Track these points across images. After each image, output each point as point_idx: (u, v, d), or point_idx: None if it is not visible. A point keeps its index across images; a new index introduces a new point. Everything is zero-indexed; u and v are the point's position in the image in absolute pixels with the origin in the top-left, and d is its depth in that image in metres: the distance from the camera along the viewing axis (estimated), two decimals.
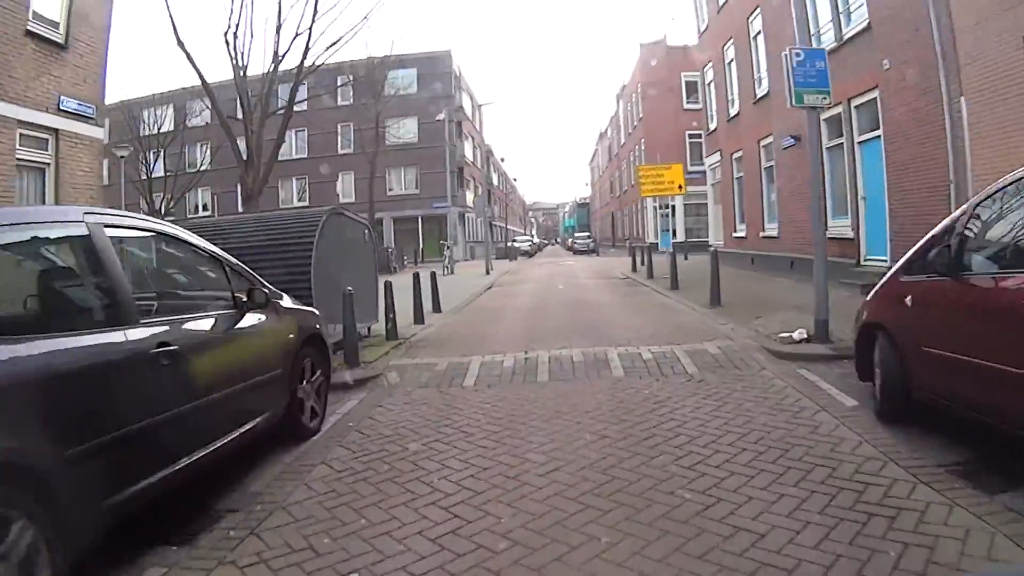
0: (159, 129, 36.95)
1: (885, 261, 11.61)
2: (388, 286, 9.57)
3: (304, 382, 5.08)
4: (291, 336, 4.85)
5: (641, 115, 40.87)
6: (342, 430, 5.12)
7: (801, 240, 16.02)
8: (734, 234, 21.69)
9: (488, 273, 24.45)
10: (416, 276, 11.84)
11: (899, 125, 11.56)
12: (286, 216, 8.67)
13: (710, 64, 23.80)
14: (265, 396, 4.44)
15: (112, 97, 32.31)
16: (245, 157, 19.24)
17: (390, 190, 40.39)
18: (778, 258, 17.12)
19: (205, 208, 46.36)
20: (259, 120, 19.47)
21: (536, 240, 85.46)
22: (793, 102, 7.60)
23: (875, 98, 12.48)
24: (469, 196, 40.54)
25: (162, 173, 40.28)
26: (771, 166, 17.99)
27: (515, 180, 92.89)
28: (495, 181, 56.83)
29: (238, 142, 19.70)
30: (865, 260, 13.30)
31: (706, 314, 10.08)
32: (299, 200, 42.86)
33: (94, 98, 12.04)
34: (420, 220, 39.14)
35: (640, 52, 40.63)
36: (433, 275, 13.27)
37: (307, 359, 5.14)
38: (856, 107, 13.47)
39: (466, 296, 15.69)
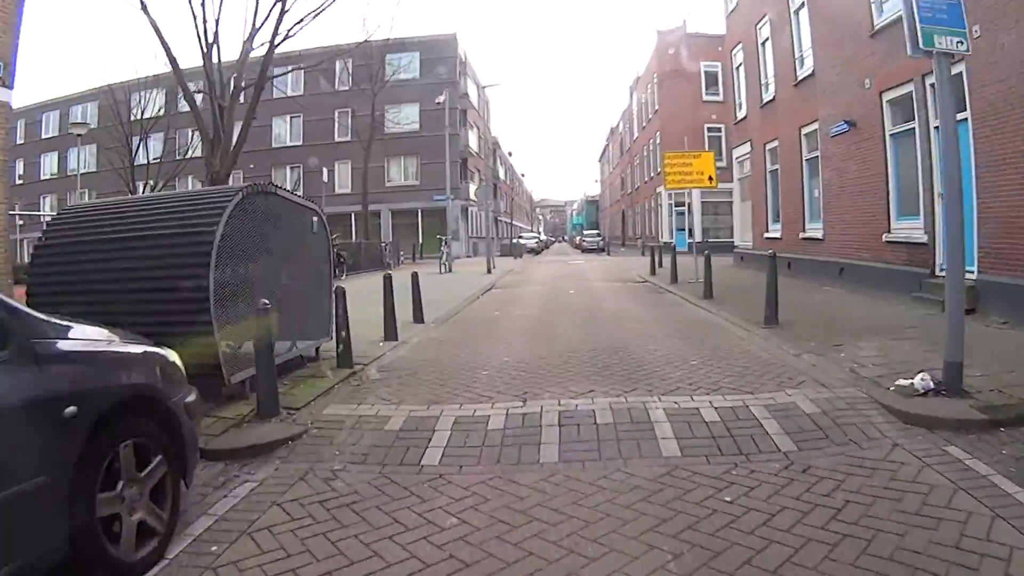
0: (142, 113, 34.67)
1: (972, 273, 9.20)
2: (347, 291, 7.24)
3: (117, 486, 2.80)
4: (68, 410, 2.54)
5: (657, 106, 38.45)
6: (199, 557, 2.85)
7: (853, 243, 13.69)
8: (765, 234, 19.31)
9: (489, 272, 22.17)
10: (414, 275, 9.52)
11: (994, 106, 9.14)
12: (183, 197, 6.27)
13: (739, 47, 21.41)
14: None
15: (97, 81, 30.33)
16: (211, 136, 16.92)
17: (389, 181, 38.16)
18: (823, 264, 14.77)
19: None
20: (231, 95, 17.17)
21: (543, 237, 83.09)
22: (920, 44, 5.24)
23: (960, 72, 10.09)
24: (472, 189, 38.19)
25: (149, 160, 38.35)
26: (815, 157, 15.63)
27: (523, 176, 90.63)
28: (501, 175, 54.48)
29: (216, 120, 17.34)
30: (941, 270, 10.90)
31: (767, 338, 7.75)
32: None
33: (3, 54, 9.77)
34: (420, 213, 36.88)
35: (657, 40, 38.20)
36: (414, 276, 10.96)
37: (122, 444, 2.84)
38: (933, 84, 11.06)
39: (458, 301, 13.42)
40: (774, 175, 18.73)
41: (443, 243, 23.42)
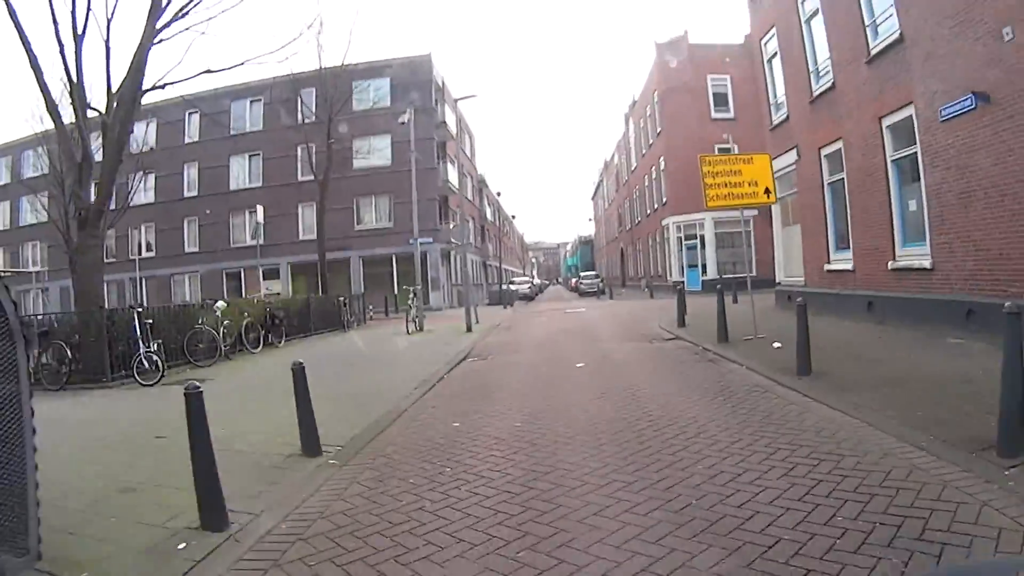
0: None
1: None
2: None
3: None
4: None
5: (659, 128, 34.24)
6: None
7: (991, 273, 9.07)
8: (826, 266, 14.69)
9: (469, 330, 17.42)
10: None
11: None
12: None
13: (772, 32, 17.16)
14: None
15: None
16: (78, 158, 12.22)
17: (359, 223, 33.59)
18: (935, 304, 10.15)
19: (149, 248, 39.68)
20: (113, 107, 12.54)
21: (536, 281, 78.54)
22: None
23: None
24: (454, 234, 33.70)
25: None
26: (909, 154, 11.13)
27: (513, 217, 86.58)
28: (489, 215, 50.18)
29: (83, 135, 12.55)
30: None
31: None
32: (253, 237, 36.03)
33: None
34: (395, 260, 32.24)
35: (656, 53, 34.21)
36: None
37: None
38: None
39: (409, 385, 8.65)
40: (836, 188, 14.21)
41: (411, 295, 18.71)
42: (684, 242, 31.57)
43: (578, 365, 9.58)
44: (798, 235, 16.53)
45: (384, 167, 32.41)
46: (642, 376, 8.25)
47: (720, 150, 31.98)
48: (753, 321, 11.01)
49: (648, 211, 38.60)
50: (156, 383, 10.47)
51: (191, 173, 38.18)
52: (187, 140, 38.41)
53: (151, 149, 37.95)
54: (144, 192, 40.70)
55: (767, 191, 11.28)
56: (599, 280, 43.53)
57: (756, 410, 5.89)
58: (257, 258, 26.34)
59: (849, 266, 13.49)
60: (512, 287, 39.12)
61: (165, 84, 13.19)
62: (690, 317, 14.53)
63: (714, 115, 32.20)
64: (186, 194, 37.94)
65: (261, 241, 33.03)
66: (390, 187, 31.85)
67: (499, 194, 69.11)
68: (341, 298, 21.25)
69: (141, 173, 33.78)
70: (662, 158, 33.82)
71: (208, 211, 36.73)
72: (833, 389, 6.35)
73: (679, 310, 14.31)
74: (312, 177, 34.21)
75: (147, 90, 13.03)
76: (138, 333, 10.85)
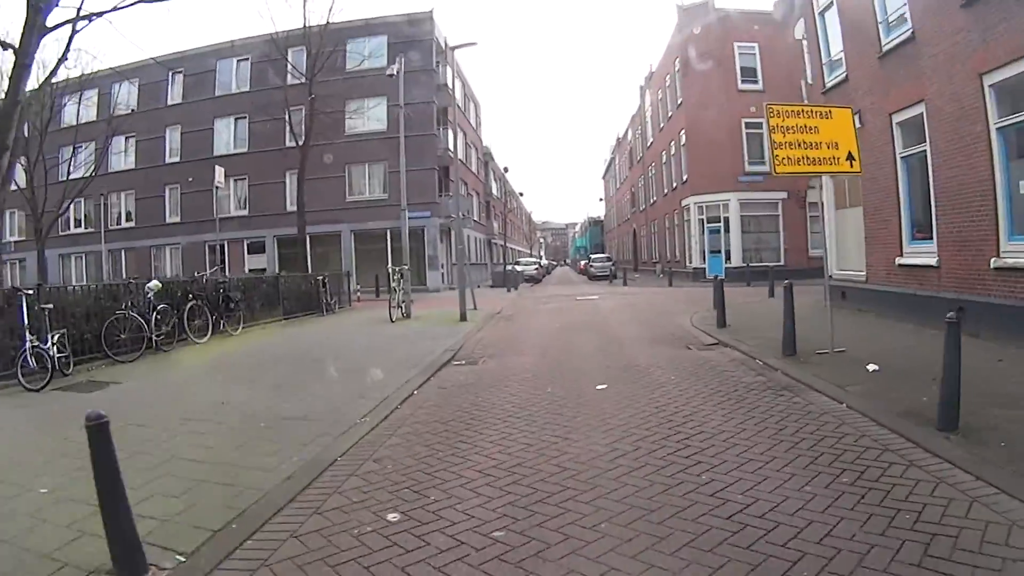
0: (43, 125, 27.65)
1: None
2: None
3: None
4: None
5: (680, 99, 31.36)
6: None
7: None
8: (898, 260, 12.05)
9: (463, 319, 14.93)
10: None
11: None
12: None
13: None
14: None
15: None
16: None
17: (350, 195, 30.98)
18: None
19: (128, 218, 37.19)
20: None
21: (544, 262, 75.87)
22: None
23: None
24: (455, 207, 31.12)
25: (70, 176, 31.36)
26: (1016, 122, 8.53)
27: (521, 195, 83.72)
28: (494, 191, 47.44)
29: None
30: None
31: None
32: (240, 207, 33.55)
33: None
34: (389, 235, 29.65)
35: (678, 18, 31.23)
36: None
37: None
38: None
39: (359, 410, 6.18)
40: (913, 163, 11.54)
41: (394, 276, 16.22)
42: (706, 225, 28.87)
43: (599, 387, 7.01)
44: (858, 219, 13.84)
45: (379, 132, 29.71)
46: (694, 415, 5.66)
47: (748, 124, 29.23)
48: (830, 328, 8.37)
49: (665, 190, 35.82)
50: (44, 387, 8.01)
51: (173, 137, 35.58)
52: (170, 102, 35.78)
53: (132, 111, 35.45)
54: (124, 156, 38.31)
55: (851, 157, 8.56)
56: (611, 263, 40.87)
57: (922, 519, 3.32)
58: (231, 231, 23.69)
59: (931, 261, 10.83)
60: (518, 268, 36.52)
61: (89, 15, 10.53)
62: (729, 314, 11.96)
63: (741, 86, 29.29)
64: (168, 159, 35.36)
65: (226, 213, 30.59)
66: (385, 154, 29.16)
67: (506, 169, 66.32)
68: (321, 277, 18.68)
69: (110, 136, 31.43)
70: (682, 132, 30.98)
71: (191, 178, 34.13)
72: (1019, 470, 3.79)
73: (718, 306, 11.67)
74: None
75: (65, 22, 10.40)
76: (25, 322, 8.35)
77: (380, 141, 29.34)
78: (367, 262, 29.89)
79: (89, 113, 35.71)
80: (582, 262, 64.17)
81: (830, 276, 15.44)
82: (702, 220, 29.06)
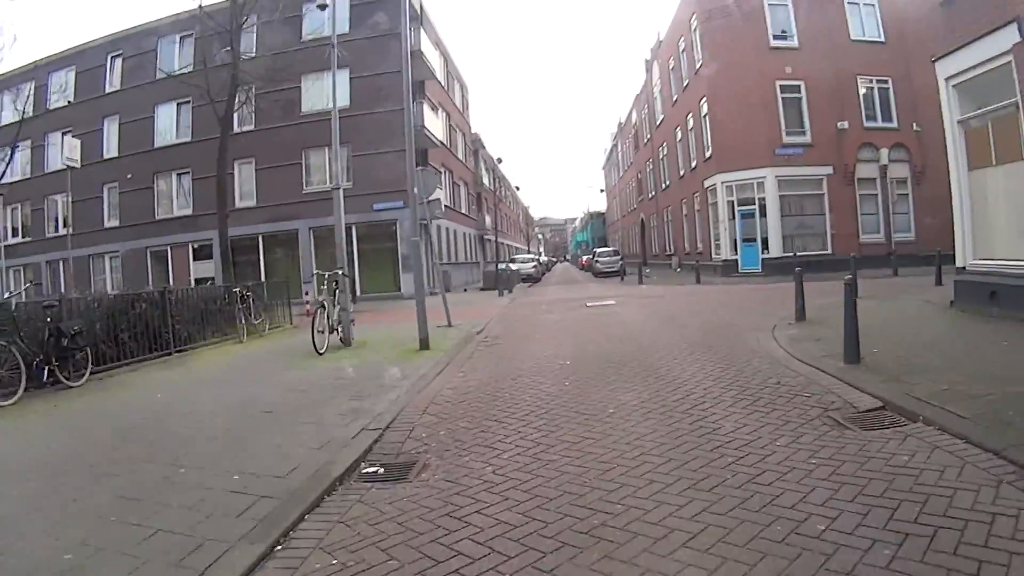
0: None
1: None
2: None
3: None
4: None
5: (700, 64, 26.43)
6: None
7: None
8: None
9: (424, 348, 10.13)
10: None
11: None
12: None
13: None
14: None
15: None
16: None
17: (308, 184, 26.11)
18: None
19: (65, 224, 32.28)
20: None
21: (543, 259, 71.03)
22: None
23: None
24: (437, 195, 26.18)
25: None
26: None
27: (517, 188, 78.93)
28: (486, 181, 42.56)
29: None
30: None
31: None
32: (183, 205, 28.67)
33: None
34: (355, 232, 24.82)
35: None
36: None
37: None
38: None
39: None
40: None
41: (323, 286, 11.50)
42: (737, 208, 23.98)
43: None
44: (1012, 181, 9.01)
45: (340, 110, 24.74)
46: None
47: (783, 87, 24.39)
48: None
49: (681, 172, 30.90)
50: None
51: (112, 129, 30.69)
52: (108, 88, 30.91)
53: (68, 103, 30.69)
54: (60, 153, 33.52)
55: None
56: (619, 258, 35.94)
57: None
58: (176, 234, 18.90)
59: None
60: (513, 266, 31.62)
61: None
62: (829, 328, 7.17)
63: (773, 43, 24.43)
64: (106, 154, 30.46)
65: (168, 213, 25.94)
66: (348, 135, 24.27)
67: (499, 160, 61.46)
68: (239, 289, 13.80)
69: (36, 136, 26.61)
70: (703, 101, 26.08)
71: (130, 175, 29.30)
72: None
73: (849, 326, 6.70)
74: (252, 127, 26.91)
75: None
76: None
77: (342, 121, 24.37)
78: (329, 265, 25.05)
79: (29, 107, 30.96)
80: (584, 257, 59.28)
81: (961, 267, 10.63)
82: (732, 203, 24.17)
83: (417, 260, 11.98)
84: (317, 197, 25.09)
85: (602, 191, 78.30)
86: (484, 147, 44.32)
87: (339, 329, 11.26)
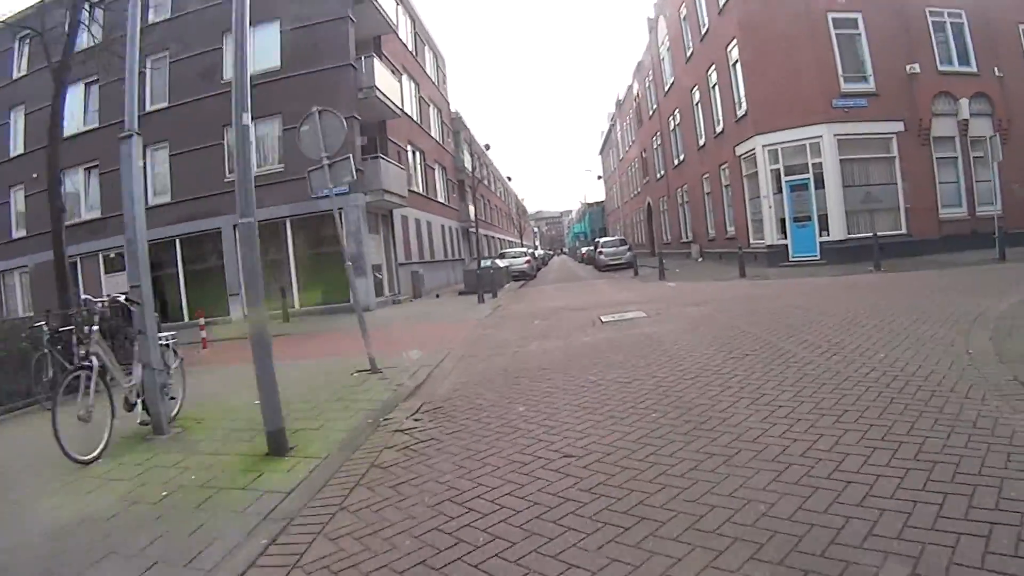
0: None
1: None
2: None
3: None
4: None
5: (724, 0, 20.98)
6: None
7: None
8: None
9: (273, 453, 4.68)
10: None
11: None
12: None
13: None
14: None
15: None
16: None
17: (232, 170, 20.58)
18: None
19: None
20: None
21: (539, 252, 65.69)
22: None
23: None
24: (392, 176, 20.70)
25: None
26: None
27: (509, 179, 73.54)
28: (468, 164, 37.09)
29: None
30: None
31: None
32: (91, 207, 23.25)
33: None
34: (288, 226, 19.41)
35: None
36: None
37: None
38: None
39: None
40: None
41: (93, 321, 6.14)
42: (785, 179, 18.58)
43: None
44: None
45: (270, 73, 19.40)
46: None
47: (837, 22, 19.02)
48: None
49: (701, 140, 25.49)
50: None
51: (18, 122, 25.26)
52: (16, 74, 25.46)
53: None
54: None
55: None
56: (628, 248, 30.54)
57: None
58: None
59: None
60: (501, 263, 26.19)
61: None
62: None
63: None
64: (13, 151, 25.09)
65: (77, 217, 20.95)
66: (279, 104, 18.93)
67: (487, 147, 55.99)
68: (43, 323, 8.36)
69: None
70: (733, 45, 20.63)
71: (35, 175, 23.85)
72: None
73: None
74: (165, 104, 21.43)
75: None
76: None
77: (273, 86, 19.04)
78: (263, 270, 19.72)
79: None
80: (583, 249, 53.85)
81: None
82: (777, 172, 18.77)
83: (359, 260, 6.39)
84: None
85: (600, 178, 72.87)
86: (466, 127, 38.89)
87: (140, 401, 5.85)
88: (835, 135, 17.96)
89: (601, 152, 70.59)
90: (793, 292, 11.92)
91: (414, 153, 26.22)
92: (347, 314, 17.82)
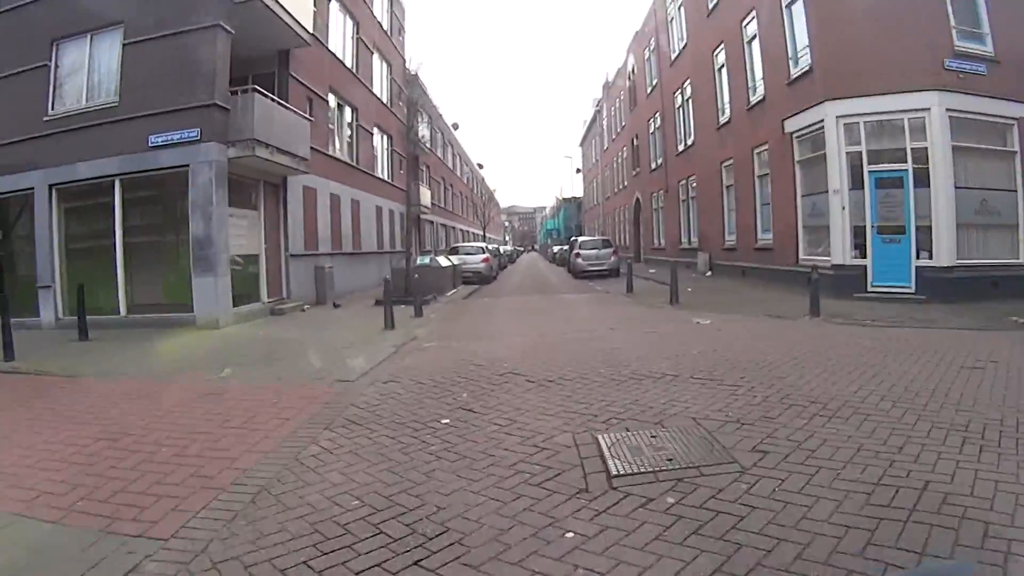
0: None
1: None
2: None
3: None
4: None
5: None
6: None
7: None
8: None
9: None
10: None
11: None
12: None
13: None
14: None
15: None
16: None
17: (56, 104, 13.60)
18: None
19: None
20: None
21: (506, 248, 59.38)
22: None
23: None
24: (279, 125, 13.98)
25: None
26: None
27: (480, 166, 67.07)
28: (421, 132, 30.48)
29: None
30: None
31: None
32: None
33: None
34: (118, 188, 12.76)
35: None
36: None
37: None
38: None
39: None
40: None
41: None
42: (868, 168, 12.38)
43: None
44: None
45: None
46: None
47: None
48: None
49: (724, 115, 19.31)
50: None
51: None
52: None
53: None
54: None
55: None
56: (612, 251, 24.37)
57: None
58: None
59: None
60: (443, 263, 19.59)
61: None
62: None
63: None
64: None
65: None
66: (120, 9, 12.35)
67: (455, 126, 49.35)
68: None
69: None
70: None
71: None
72: None
73: None
74: None
75: None
76: None
77: None
78: (83, 255, 13.21)
79: None
80: (555, 248, 47.58)
81: None
82: (858, 158, 12.60)
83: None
84: (70, 127, 12.88)
85: (579, 171, 66.73)
86: (427, 96, 32.25)
87: None
88: (947, 109, 11.92)
89: (583, 143, 64.42)
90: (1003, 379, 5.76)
91: (341, 107, 19.61)
92: (179, 331, 11.30)
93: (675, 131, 24.89)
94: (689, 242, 23.44)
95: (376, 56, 23.88)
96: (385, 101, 25.30)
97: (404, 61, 28.41)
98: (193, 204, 11.95)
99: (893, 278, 12.06)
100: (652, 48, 28.44)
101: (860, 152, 12.44)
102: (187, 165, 11.93)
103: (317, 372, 7.27)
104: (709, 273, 20.09)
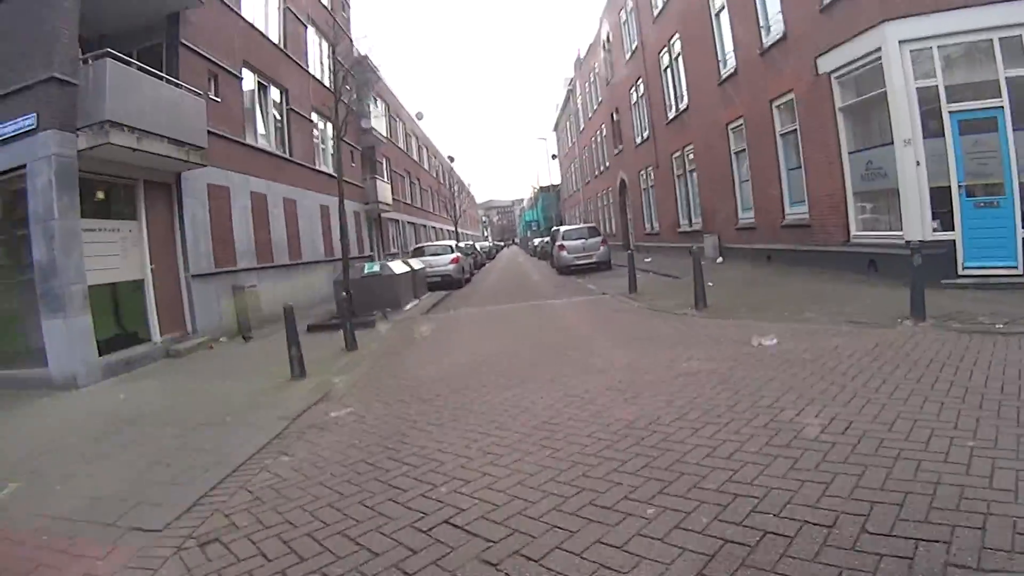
0: None
1: None
2: None
3: None
4: None
5: None
6: None
7: None
8: None
9: None
10: None
11: None
12: None
13: None
14: None
15: None
16: None
17: None
18: None
19: None
20: None
21: (486, 244, 55.87)
22: None
23: None
24: (152, 103, 10.62)
25: None
26: None
27: (451, 159, 63.70)
28: (382, 129, 26.93)
29: None
30: None
31: None
32: None
33: None
34: None
35: None
36: None
37: None
38: None
39: None
40: None
41: None
42: (948, 107, 9.23)
43: None
44: None
45: None
46: None
47: None
48: None
49: (728, 67, 16.15)
50: None
51: None
52: None
53: None
54: None
55: None
56: (600, 240, 21.20)
57: None
58: None
59: None
60: (400, 268, 16.08)
61: None
62: None
63: None
64: None
65: None
66: None
67: (419, 116, 45.88)
68: None
69: None
70: None
71: None
72: None
73: None
74: None
75: None
76: None
77: None
78: None
79: None
80: (536, 240, 44.40)
81: None
82: (935, 93, 9.39)
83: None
84: None
85: (554, 157, 63.42)
86: (380, 79, 28.80)
87: None
88: None
89: (556, 127, 61.12)
90: None
91: (264, 87, 16.19)
92: (38, 395, 7.96)
93: (663, 96, 21.65)
94: (690, 224, 20.25)
95: (312, 30, 20.41)
96: (327, 84, 21.82)
97: (351, 41, 24.88)
98: (33, 217, 8.54)
99: (992, 256, 8.90)
100: (630, 8, 25.18)
101: (936, 87, 9.25)
102: (24, 166, 8.53)
103: (120, 503, 3.97)
104: (720, 259, 16.94)
